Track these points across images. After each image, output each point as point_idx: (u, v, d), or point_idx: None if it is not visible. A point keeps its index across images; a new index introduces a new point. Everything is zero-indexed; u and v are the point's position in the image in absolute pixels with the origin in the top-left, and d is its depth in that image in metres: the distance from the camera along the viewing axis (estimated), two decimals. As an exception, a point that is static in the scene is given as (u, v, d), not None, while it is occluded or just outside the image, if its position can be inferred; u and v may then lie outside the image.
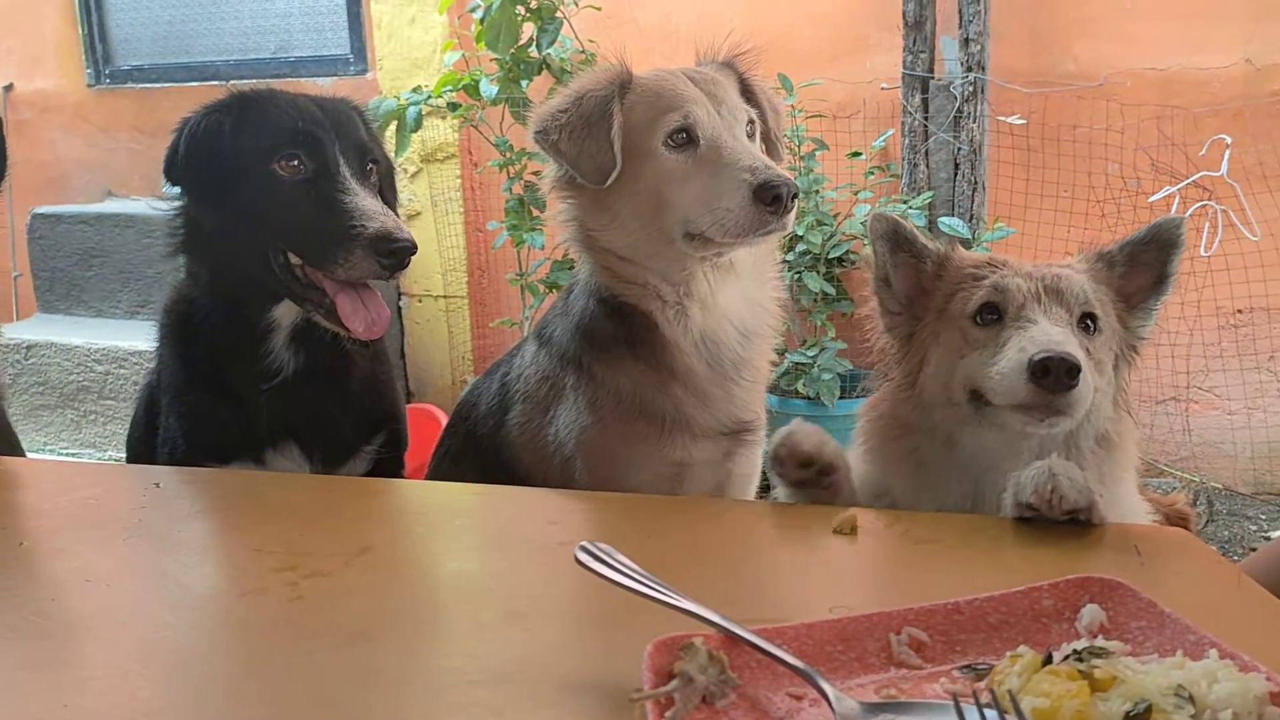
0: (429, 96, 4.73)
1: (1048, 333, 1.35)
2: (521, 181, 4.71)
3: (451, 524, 1.40)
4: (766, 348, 1.86)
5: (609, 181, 1.76)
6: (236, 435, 1.85)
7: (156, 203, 1.98)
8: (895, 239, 1.56)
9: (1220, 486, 4.34)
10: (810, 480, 1.44)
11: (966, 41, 4.33)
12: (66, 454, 5.16)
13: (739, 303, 1.81)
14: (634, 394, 1.77)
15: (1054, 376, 1.29)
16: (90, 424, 5.17)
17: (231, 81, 5.57)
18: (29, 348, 5.19)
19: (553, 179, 1.85)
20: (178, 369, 1.90)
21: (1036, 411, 1.34)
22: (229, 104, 1.85)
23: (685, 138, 1.73)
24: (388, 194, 1.95)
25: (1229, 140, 3.99)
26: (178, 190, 1.91)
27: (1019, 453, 1.42)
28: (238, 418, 1.86)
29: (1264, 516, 4.23)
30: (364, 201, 1.76)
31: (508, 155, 4.70)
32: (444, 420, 4.49)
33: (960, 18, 4.33)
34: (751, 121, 1.80)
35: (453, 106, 4.77)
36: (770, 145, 1.87)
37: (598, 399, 1.78)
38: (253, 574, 1.18)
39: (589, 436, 1.78)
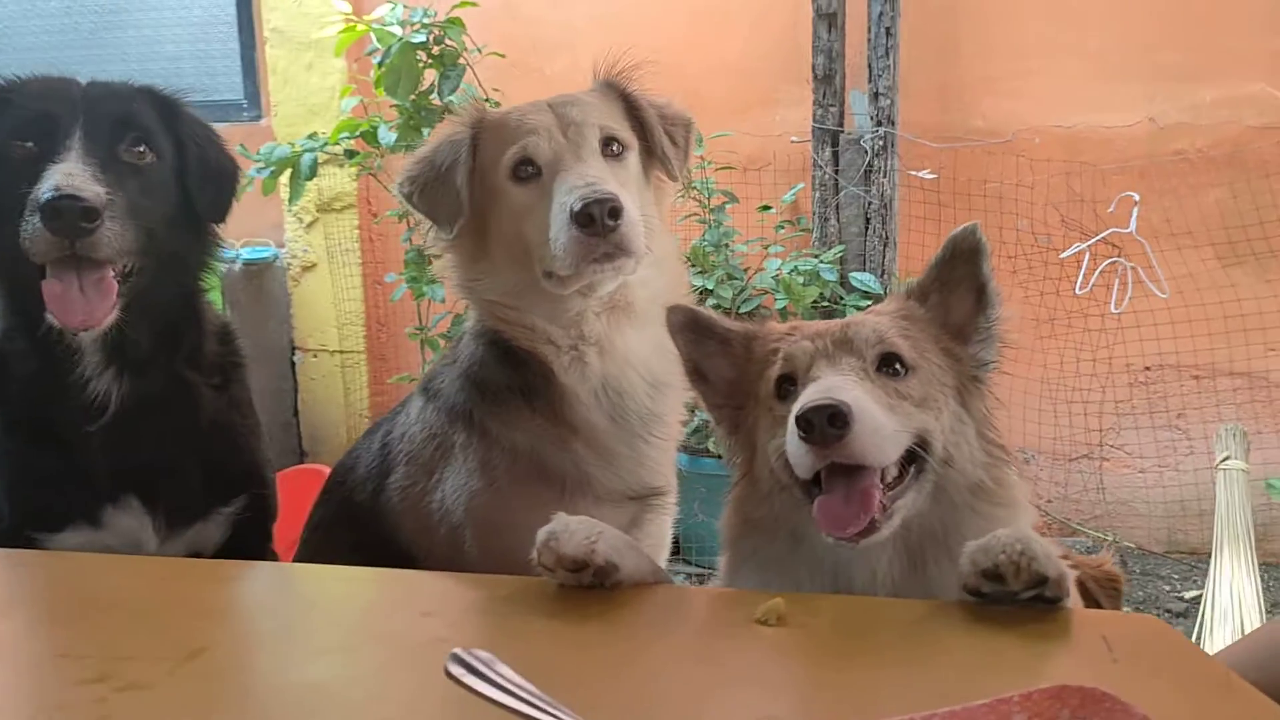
0: (325, 143, 4.53)
1: (822, 385, 1.22)
2: (421, 233, 4.52)
3: (306, 618, 1.18)
4: (678, 402, 1.70)
5: (455, 229, 1.67)
6: (68, 493, 1.61)
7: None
8: (696, 328, 1.43)
9: (1133, 545, 4.29)
10: (591, 584, 1.21)
11: (876, 96, 4.30)
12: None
13: (645, 349, 1.67)
14: (531, 452, 1.60)
15: (817, 428, 1.15)
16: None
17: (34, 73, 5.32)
18: None
19: (426, 232, 1.75)
20: (-8, 427, 1.66)
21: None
22: None
23: (530, 169, 1.63)
24: (194, 185, 1.73)
25: (1137, 197, 4.00)
26: None
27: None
28: (66, 472, 1.62)
29: (1176, 576, 4.19)
30: (60, 165, 1.53)
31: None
32: (338, 482, 4.28)
33: (869, 72, 4.30)
34: (614, 140, 1.67)
35: (350, 154, 4.57)
36: (663, 162, 1.74)
37: (490, 459, 1.60)
38: (53, 688, 0.96)
39: (480, 502, 1.60)
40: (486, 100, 4.47)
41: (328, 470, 4.27)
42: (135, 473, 1.64)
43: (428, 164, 1.69)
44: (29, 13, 5.53)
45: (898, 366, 1.28)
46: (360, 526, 1.74)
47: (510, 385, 1.63)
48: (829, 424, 1.14)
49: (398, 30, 4.24)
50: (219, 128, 5.55)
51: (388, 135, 4.41)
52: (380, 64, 4.31)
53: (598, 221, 1.49)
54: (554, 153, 1.61)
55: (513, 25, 4.83)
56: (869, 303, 4.29)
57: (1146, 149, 4.11)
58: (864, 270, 4.36)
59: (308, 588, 1.28)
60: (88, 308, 1.52)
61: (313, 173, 4.43)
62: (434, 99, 4.44)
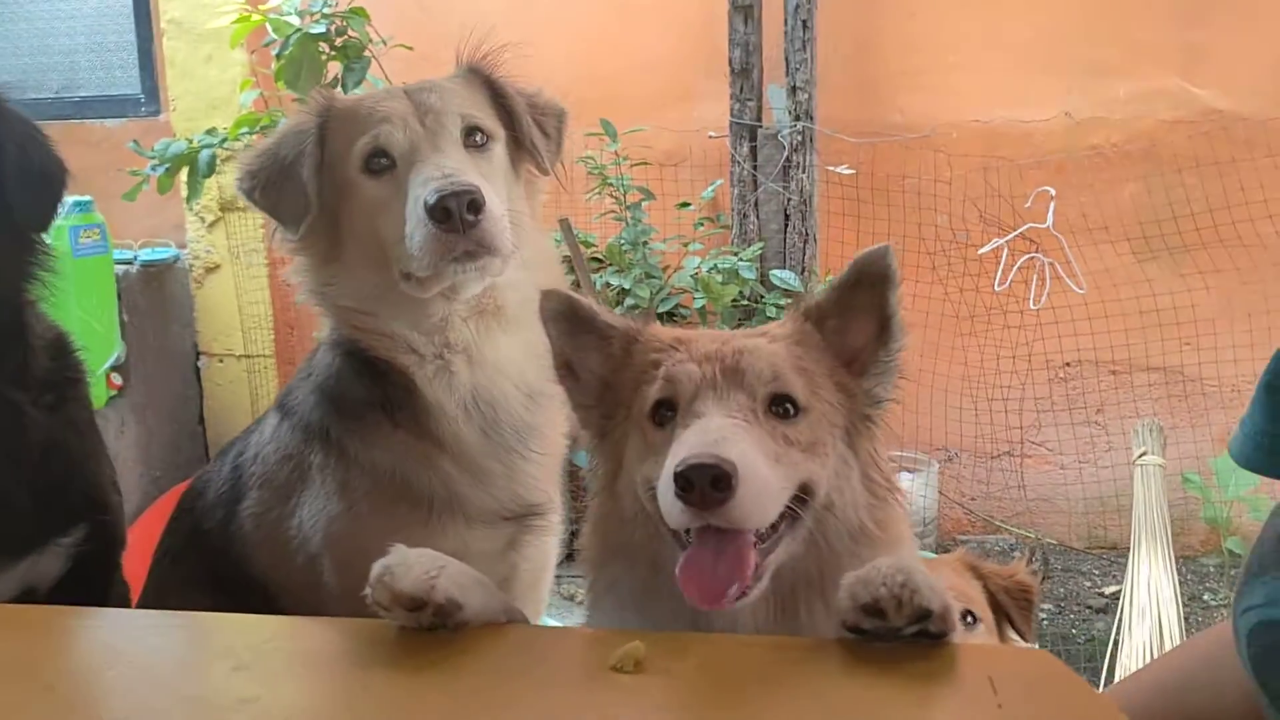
0: (225, 139, 4.34)
1: (702, 431, 1.08)
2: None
3: (101, 677, 1.02)
4: (558, 413, 1.56)
5: (302, 229, 1.53)
6: None
7: None
8: (572, 318, 1.27)
9: (1054, 541, 4.27)
10: (432, 625, 1.08)
11: (794, 90, 4.22)
12: None
13: (519, 356, 1.54)
14: (393, 471, 1.47)
15: (698, 489, 1.02)
16: None
17: None
18: None
19: (271, 231, 1.60)
20: None
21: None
22: None
23: (384, 162, 1.50)
24: (18, 193, 1.57)
25: (1053, 192, 3.98)
26: None
27: None
28: None
29: (1097, 571, 4.18)
30: None
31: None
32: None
33: (787, 66, 4.22)
34: (477, 130, 1.54)
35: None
36: (532, 154, 1.62)
37: (350, 480, 1.46)
38: None
39: (339, 528, 1.46)
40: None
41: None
42: None
43: (270, 157, 1.55)
44: (-90, 3, 5.25)
45: (789, 407, 1.15)
46: (211, 556, 1.59)
47: (369, 399, 1.50)
48: (711, 486, 1.01)
49: (296, 20, 4.07)
50: (114, 123, 5.30)
51: (290, 130, 4.24)
52: (279, 55, 4.13)
53: (455, 216, 1.36)
54: (410, 143, 1.47)
55: (422, 17, 4.68)
56: (789, 300, 4.22)
57: (1063, 143, 4.08)
58: (784, 268, 4.28)
59: (112, 638, 1.13)
60: None
61: (211, 169, 4.24)
62: (338, 93, 4.28)
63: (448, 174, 1.40)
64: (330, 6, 4.13)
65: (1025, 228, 3.98)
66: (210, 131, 4.41)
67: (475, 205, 1.38)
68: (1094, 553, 4.22)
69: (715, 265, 4.14)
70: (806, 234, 4.29)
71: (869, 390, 1.23)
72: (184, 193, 4.36)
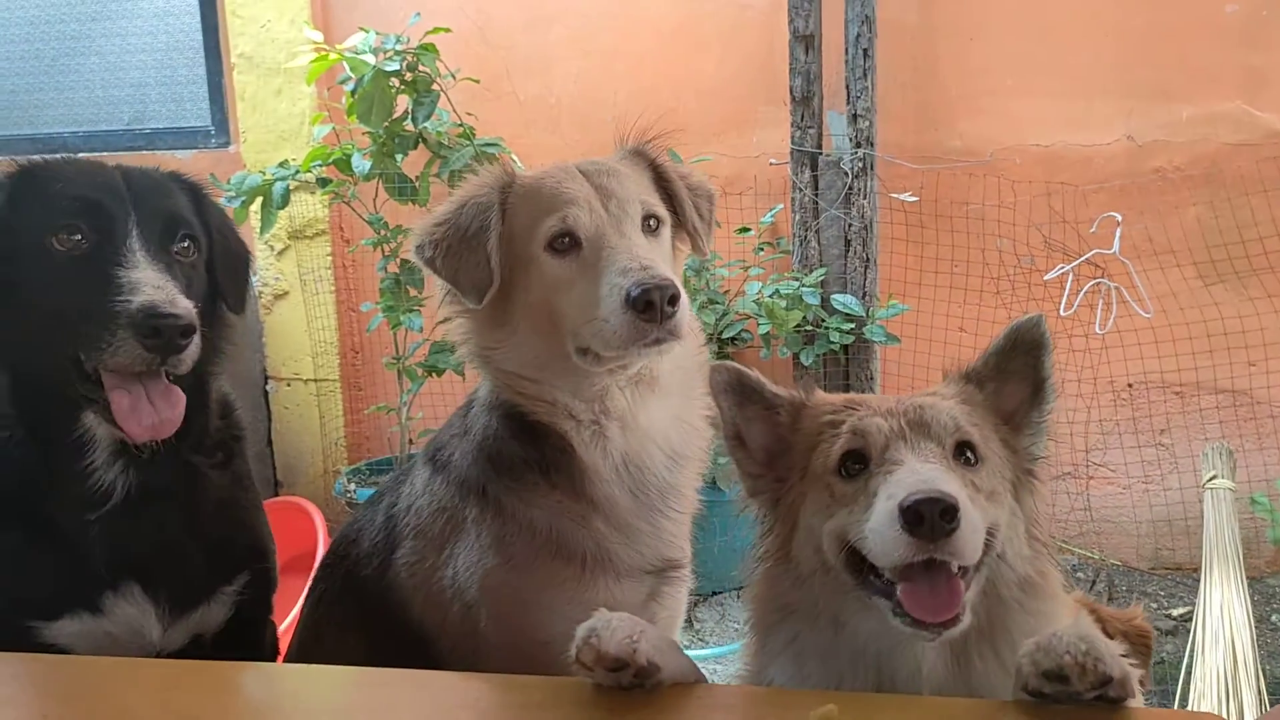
0: (297, 171, 4.46)
1: (916, 471, 1.17)
2: (397, 260, 4.46)
3: None
4: (694, 473, 1.65)
5: (486, 300, 1.58)
6: (64, 581, 1.54)
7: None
8: (741, 391, 1.37)
9: (1119, 563, 4.30)
10: (630, 684, 1.16)
11: (855, 117, 4.29)
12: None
13: (665, 422, 1.62)
14: (549, 529, 1.54)
15: (928, 522, 1.10)
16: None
17: (82, 154, 5.21)
18: None
19: (441, 296, 1.66)
20: (-17, 511, 1.59)
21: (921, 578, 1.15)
22: (7, 176, 1.60)
23: (568, 241, 1.56)
24: (222, 277, 1.69)
25: (1119, 218, 4.01)
26: None
27: None
28: (63, 560, 1.55)
29: (1162, 592, 4.20)
30: (139, 274, 1.49)
31: (382, 233, 4.46)
32: (315, 514, 4.17)
33: (848, 94, 4.28)
34: (652, 216, 1.62)
35: (322, 182, 4.50)
36: (692, 238, 1.68)
37: (506, 535, 1.54)
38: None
39: (496, 580, 1.54)
40: (460, 126, 4.42)
41: (304, 503, 4.22)
42: (137, 559, 1.58)
43: (452, 227, 1.61)
44: (-12, 39, 5.41)
45: (970, 455, 1.25)
46: (366, 602, 1.68)
47: (527, 460, 1.57)
48: (941, 518, 1.10)
49: (371, 59, 4.18)
50: (184, 155, 5.45)
51: (361, 163, 4.36)
52: (353, 92, 4.24)
53: (657, 308, 1.43)
54: (596, 227, 1.54)
55: (485, 50, 4.78)
56: (851, 325, 4.28)
57: (1125, 167, 4.12)
58: (845, 292, 4.34)
59: (313, 694, 1.21)
60: (157, 420, 1.47)
61: (285, 201, 4.36)
62: (408, 125, 4.38)
63: (645, 265, 1.46)
64: (403, 43, 4.24)
65: (1091, 254, 4.01)
66: (283, 164, 4.53)
67: (674, 299, 1.45)
68: (1159, 574, 4.24)
69: (778, 290, 4.21)
70: (867, 259, 4.34)
71: (1026, 449, 1.31)
72: (256, 223, 4.49)
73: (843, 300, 4.26)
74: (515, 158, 4.49)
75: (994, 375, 1.33)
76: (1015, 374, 1.33)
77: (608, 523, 1.57)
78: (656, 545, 1.60)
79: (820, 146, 4.41)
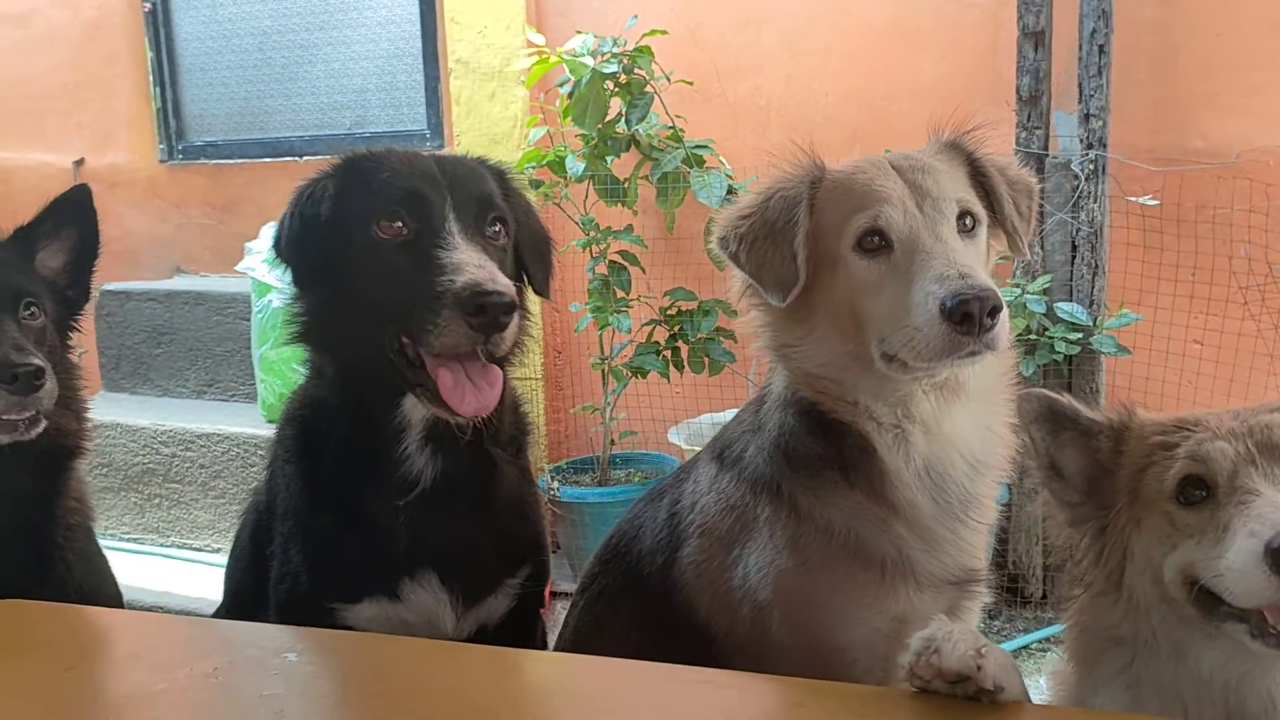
0: (510, 173, 4.56)
1: (1278, 506, 1.07)
2: (606, 261, 4.51)
3: None
4: (995, 482, 1.59)
5: (789, 298, 1.53)
6: (369, 566, 1.60)
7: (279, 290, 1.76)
8: (1054, 419, 1.29)
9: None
10: (965, 695, 1.11)
11: (1087, 117, 4.09)
12: (128, 539, 4.94)
13: (968, 429, 1.55)
14: (847, 531, 1.50)
15: None
16: (155, 508, 4.96)
17: (306, 157, 5.48)
18: (93, 428, 5.00)
19: (739, 287, 1.63)
20: (301, 490, 1.66)
21: None
22: (334, 169, 1.68)
23: (878, 241, 1.49)
24: (529, 259, 1.72)
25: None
26: (286, 270, 1.69)
27: None
28: (370, 546, 1.61)
29: None
30: (460, 255, 1.52)
31: (592, 234, 4.51)
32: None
33: (1080, 92, 4.09)
34: (968, 214, 1.53)
35: (534, 183, 4.59)
36: (1010, 238, 1.60)
37: (801, 536, 1.51)
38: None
39: (789, 583, 1.51)
40: (671, 128, 4.44)
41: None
42: (435, 548, 1.63)
43: (758, 220, 1.57)
44: (224, 49, 5.75)
45: None
46: (648, 600, 1.68)
47: (825, 457, 1.53)
48: None
49: (589, 61, 4.24)
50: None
51: (575, 165, 4.42)
52: (571, 94, 4.31)
53: (976, 320, 1.36)
54: (909, 228, 1.47)
55: (695, 52, 4.78)
56: (1078, 335, 4.08)
57: (1390, 169, 3.80)
58: (1070, 300, 4.15)
59: (622, 684, 1.19)
60: (479, 397, 1.51)
61: (501, 203, 4.46)
62: (620, 128, 4.43)
63: (964, 274, 1.39)
64: (620, 46, 4.28)
65: (1357, 262, 3.71)
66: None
67: (995, 310, 1.37)
68: None
69: (1000, 297, 4.05)
70: (1096, 266, 4.14)
71: None
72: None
73: (1068, 308, 4.07)
74: (723, 160, 4.48)
75: None
76: None
77: (909, 528, 1.51)
78: (957, 555, 1.54)
79: (1047, 148, 4.23)
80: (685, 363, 4.43)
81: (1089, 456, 1.29)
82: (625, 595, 1.74)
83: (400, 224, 1.57)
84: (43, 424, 1.71)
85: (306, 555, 1.64)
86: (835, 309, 1.53)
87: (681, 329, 4.44)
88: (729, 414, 4.68)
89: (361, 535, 1.62)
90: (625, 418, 4.76)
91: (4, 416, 1.65)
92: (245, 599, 1.87)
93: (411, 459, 1.62)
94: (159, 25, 5.77)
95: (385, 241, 1.57)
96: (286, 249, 1.67)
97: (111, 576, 1.92)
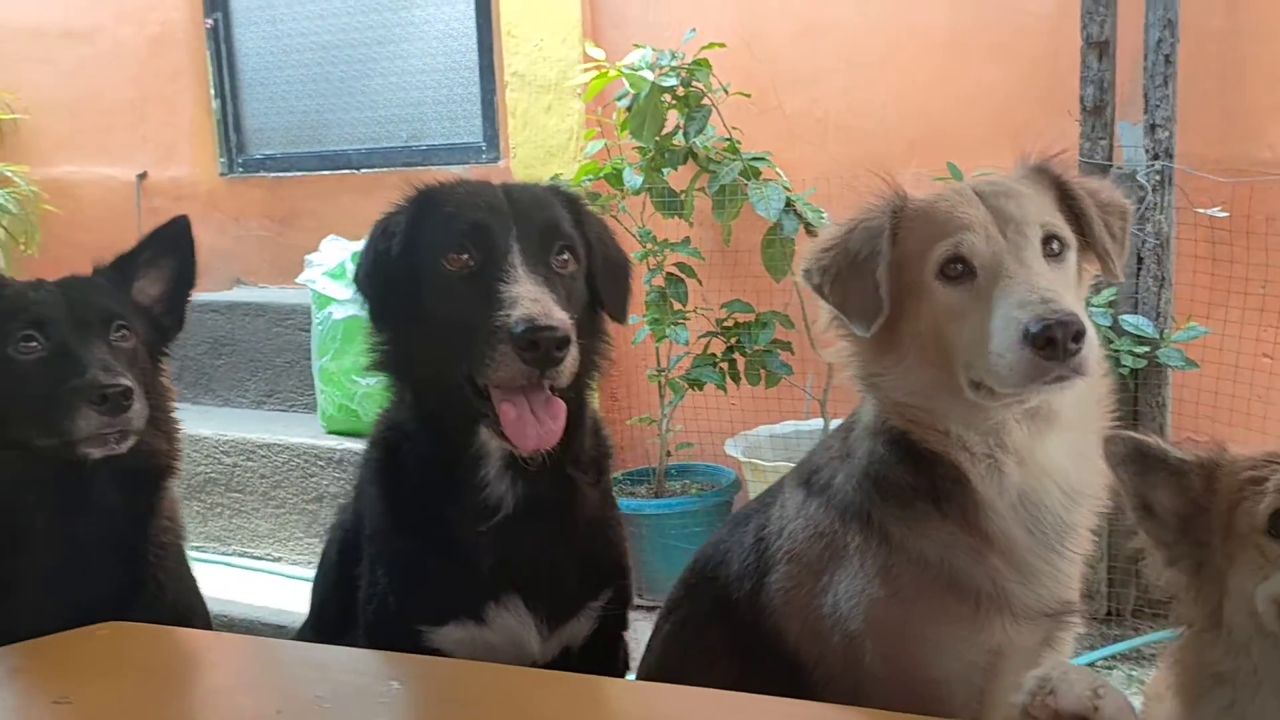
0: (568, 185, 4.58)
1: None
2: (663, 273, 4.52)
3: None
4: (1091, 511, 1.56)
5: (874, 328, 1.53)
6: (454, 589, 1.61)
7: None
8: (1143, 460, 1.28)
9: None
10: None
11: (1153, 127, 4.04)
12: (191, 547, 5.00)
13: (1063, 458, 1.53)
14: (940, 562, 1.49)
15: None
16: (216, 517, 5.03)
17: (364, 170, 5.54)
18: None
19: (826, 318, 1.63)
20: (385, 512, 1.68)
21: None
22: (407, 203, 1.69)
23: (961, 268, 1.48)
24: (603, 285, 1.72)
25: None
26: (364, 303, 1.71)
27: None
28: (454, 569, 1.62)
29: None
30: (519, 288, 1.52)
31: (649, 246, 4.52)
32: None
33: (1145, 103, 4.04)
34: (1054, 238, 1.52)
35: (592, 196, 4.60)
36: (1102, 260, 1.58)
37: (893, 566, 1.50)
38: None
39: (882, 613, 1.50)
40: (728, 140, 4.43)
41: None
42: (519, 572, 1.64)
43: (841, 252, 1.58)
44: (284, 63, 5.83)
45: None
46: (736, 626, 1.67)
47: (916, 487, 1.52)
48: None
49: (648, 74, 4.25)
50: (458, 170, 5.71)
51: (633, 178, 4.43)
52: (629, 107, 4.32)
53: (1059, 345, 1.35)
54: (992, 254, 1.46)
55: (752, 64, 4.77)
56: (1144, 349, 4.02)
57: None
58: (1136, 313, 4.09)
59: None
60: (541, 431, 1.52)
61: (559, 215, 4.48)
62: (676, 140, 4.43)
63: (1046, 299, 1.38)
64: (678, 59, 4.29)
65: None
66: (554, 179, 4.66)
67: (1079, 335, 1.36)
68: None
69: (1064, 310, 4.01)
70: (1162, 278, 4.08)
71: None
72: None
73: (1134, 321, 4.01)
74: (780, 172, 4.47)
75: None
76: None
77: (1004, 560, 1.50)
78: (1054, 586, 1.52)
79: (1111, 159, 4.17)
80: (742, 374, 4.42)
81: (1181, 495, 1.28)
82: (712, 621, 1.74)
83: (466, 255, 1.59)
84: (133, 439, 1.74)
85: (392, 577, 1.66)
86: (922, 337, 1.53)
87: (738, 341, 4.44)
88: (786, 426, 4.70)
89: (446, 559, 1.64)
90: (681, 429, 4.76)
91: (97, 433, 1.69)
92: (331, 615, 1.90)
93: (492, 485, 1.64)
94: (220, 41, 5.86)
95: (452, 274, 1.59)
96: (363, 283, 1.69)
97: (200, 595, 1.95)
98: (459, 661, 1.47)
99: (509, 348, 1.48)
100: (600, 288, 1.71)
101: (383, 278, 1.67)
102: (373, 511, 1.71)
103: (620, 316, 1.75)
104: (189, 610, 1.85)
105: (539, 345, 1.47)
